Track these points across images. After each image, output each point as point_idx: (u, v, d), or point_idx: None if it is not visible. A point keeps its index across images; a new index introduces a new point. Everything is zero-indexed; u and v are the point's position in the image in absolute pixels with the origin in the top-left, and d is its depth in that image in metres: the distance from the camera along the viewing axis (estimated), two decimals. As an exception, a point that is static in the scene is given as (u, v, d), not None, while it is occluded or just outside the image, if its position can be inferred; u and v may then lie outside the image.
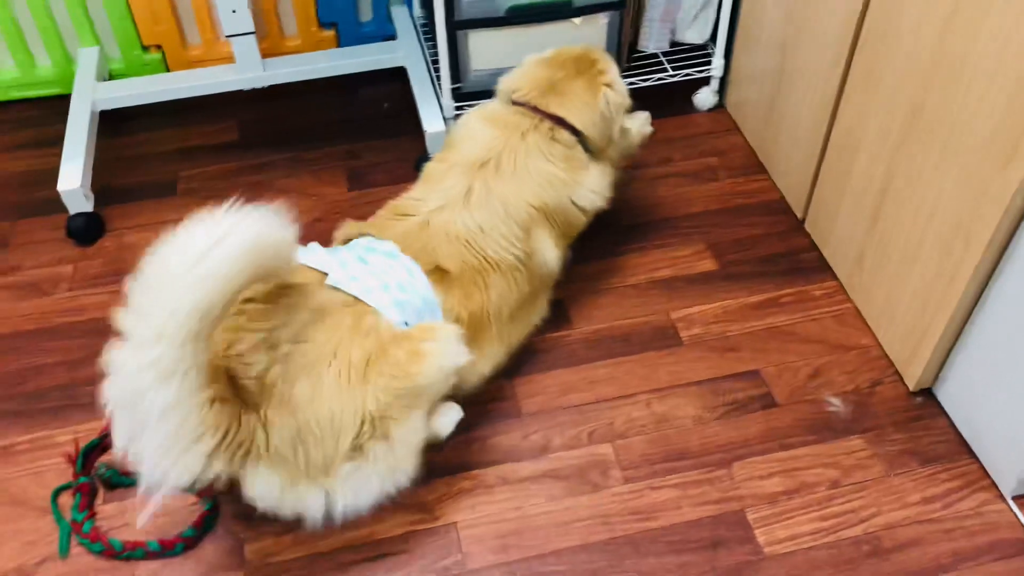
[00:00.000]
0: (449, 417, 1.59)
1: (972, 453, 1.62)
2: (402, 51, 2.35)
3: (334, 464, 1.34)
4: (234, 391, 1.30)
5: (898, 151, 1.64)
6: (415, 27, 2.42)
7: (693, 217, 2.09)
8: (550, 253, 1.69)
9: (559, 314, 1.88)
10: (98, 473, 1.60)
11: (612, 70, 1.77)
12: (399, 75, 2.37)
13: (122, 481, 1.58)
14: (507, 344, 1.69)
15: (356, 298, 1.43)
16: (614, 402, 1.73)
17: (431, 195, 1.64)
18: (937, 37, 1.48)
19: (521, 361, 1.79)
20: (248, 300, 1.37)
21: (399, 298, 1.46)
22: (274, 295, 1.39)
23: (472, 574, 1.48)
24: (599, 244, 1.99)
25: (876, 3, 1.64)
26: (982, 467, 1.60)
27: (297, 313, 1.37)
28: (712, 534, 1.52)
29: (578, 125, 1.70)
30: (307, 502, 1.37)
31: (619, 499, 1.58)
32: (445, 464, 1.62)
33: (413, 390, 1.38)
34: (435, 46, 2.09)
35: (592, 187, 1.74)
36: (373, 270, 1.48)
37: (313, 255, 1.49)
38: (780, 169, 2.13)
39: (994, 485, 1.58)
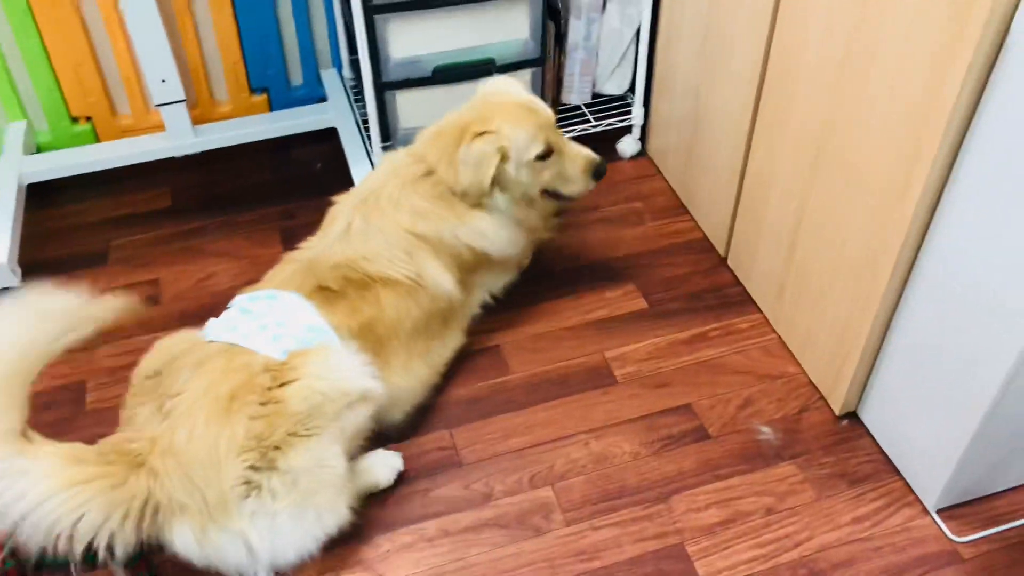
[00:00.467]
0: (389, 465, 1.62)
1: (897, 471, 1.70)
2: (332, 112, 2.41)
3: (230, 501, 1.37)
4: (121, 459, 1.36)
5: (809, 187, 1.74)
6: (345, 89, 2.49)
7: (622, 259, 2.16)
8: (442, 278, 1.77)
9: (496, 361, 1.92)
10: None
11: (508, 120, 1.75)
12: (330, 135, 2.42)
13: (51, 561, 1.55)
14: (422, 359, 1.75)
15: (233, 344, 1.50)
16: (554, 444, 1.76)
17: (318, 238, 1.78)
18: (833, 80, 1.59)
19: (461, 410, 1.82)
20: (148, 377, 1.49)
21: (277, 333, 1.52)
22: (166, 366, 1.49)
23: (420, 627, 1.49)
24: (533, 290, 2.05)
25: (777, 49, 1.76)
26: (907, 484, 1.67)
27: (180, 373, 1.46)
28: (654, 569, 1.56)
29: (439, 171, 1.78)
30: (225, 548, 1.39)
31: (562, 542, 1.60)
32: (386, 519, 1.64)
33: (289, 415, 1.42)
34: (365, 106, 2.15)
35: (480, 229, 1.80)
36: (253, 316, 1.56)
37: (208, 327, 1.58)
38: (701, 209, 2.23)
39: (919, 500, 1.65)
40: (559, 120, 2.37)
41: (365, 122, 2.26)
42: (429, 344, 1.79)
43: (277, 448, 1.40)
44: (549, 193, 1.86)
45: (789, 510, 1.64)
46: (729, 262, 2.12)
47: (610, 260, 2.16)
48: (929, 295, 1.51)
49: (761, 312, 2.01)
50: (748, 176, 1.97)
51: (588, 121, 2.37)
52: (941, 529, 1.60)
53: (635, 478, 1.70)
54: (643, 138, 2.45)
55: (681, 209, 2.29)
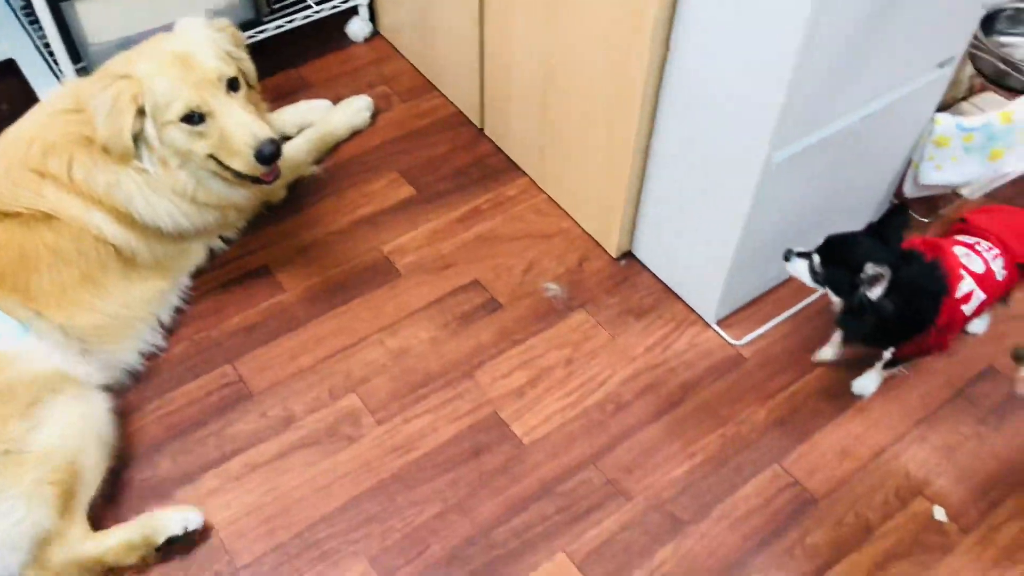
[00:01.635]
0: (178, 517, 1.46)
1: (677, 296, 1.82)
2: (5, 42, 2.09)
3: None
4: None
5: (548, 42, 1.75)
6: (15, 13, 2.16)
7: (378, 149, 2.10)
8: (89, 216, 1.59)
9: (266, 281, 1.82)
10: None
11: (153, 69, 1.56)
12: (10, 70, 2.11)
13: None
14: (101, 298, 1.63)
15: None
16: (347, 351, 1.72)
17: None
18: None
19: (239, 340, 1.72)
20: None
21: None
22: None
23: (247, 572, 1.43)
24: (290, 199, 1.95)
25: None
26: (687, 306, 1.81)
27: None
28: (473, 443, 1.59)
29: (88, 111, 1.58)
30: None
31: (377, 443, 1.59)
32: (182, 470, 1.54)
33: None
34: (42, 28, 1.87)
35: (126, 191, 1.60)
36: None
37: None
38: (449, 84, 2.20)
39: (700, 318, 1.79)
40: (280, 11, 2.21)
41: (47, 46, 1.98)
42: (102, 282, 1.62)
43: None
44: (221, 163, 1.64)
45: (588, 355, 1.72)
46: (487, 132, 2.13)
47: (366, 153, 2.09)
48: (678, 119, 1.59)
49: (527, 175, 2.04)
50: (487, 42, 1.95)
51: (309, 7, 2.23)
52: (723, 338, 1.76)
53: (437, 363, 1.70)
54: (373, 18, 2.35)
55: (428, 87, 2.24)
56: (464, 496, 1.53)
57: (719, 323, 1.78)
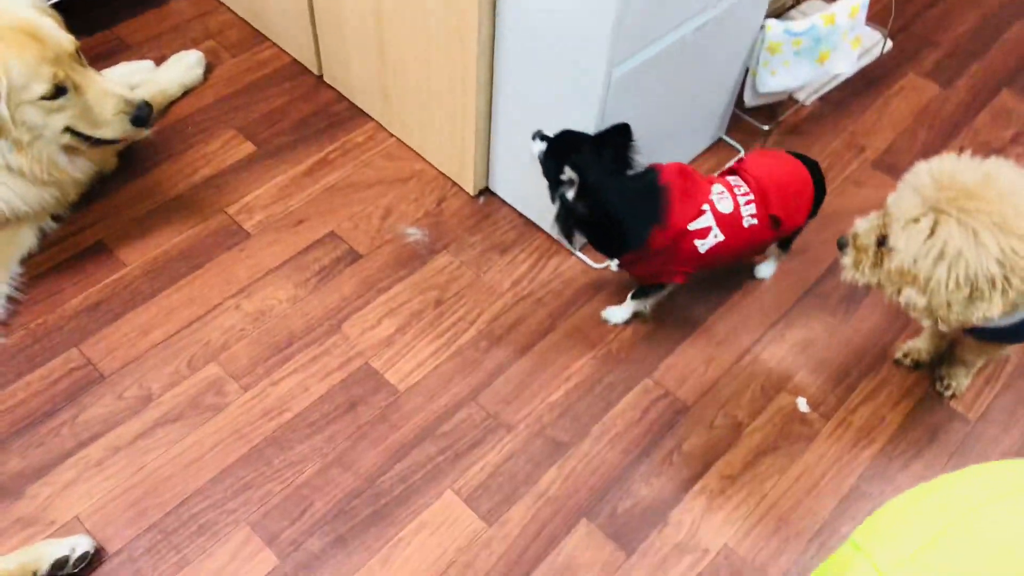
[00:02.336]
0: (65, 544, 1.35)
1: (538, 228, 1.85)
2: None
3: None
4: None
5: (373, -26, 1.71)
6: None
7: (211, 108, 2.00)
8: None
9: (104, 258, 1.72)
10: None
11: (2, 49, 1.45)
12: None
13: None
14: None
15: None
16: (202, 321, 1.65)
17: None
18: None
19: (82, 322, 1.62)
20: None
21: None
22: None
23: (119, 558, 1.37)
24: (120, 168, 1.84)
25: None
26: (548, 236, 1.84)
27: None
28: (347, 397, 1.57)
29: None
30: None
31: (245, 409, 1.54)
32: (34, 466, 1.45)
33: None
34: None
35: None
36: None
37: None
38: (280, 32, 2.11)
39: (562, 248, 1.82)
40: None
41: None
42: None
43: None
44: (78, 135, 1.59)
45: (455, 296, 1.73)
46: (326, 79, 2.07)
47: (200, 112, 1.99)
48: (517, 47, 1.59)
49: (374, 120, 2.01)
50: (314, -19, 1.89)
51: (118, -37, 2.10)
52: (586, 263, 1.80)
53: (301, 321, 1.67)
54: (190, -30, 2.23)
55: (259, 38, 2.15)
56: (344, 450, 1.51)
57: (582, 249, 1.82)
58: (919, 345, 1.69)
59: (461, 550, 1.42)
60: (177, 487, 1.45)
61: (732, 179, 1.56)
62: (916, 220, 1.22)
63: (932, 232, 1.20)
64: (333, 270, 1.75)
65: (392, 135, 1.99)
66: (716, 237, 1.50)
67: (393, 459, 1.51)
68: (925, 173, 1.26)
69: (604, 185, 1.45)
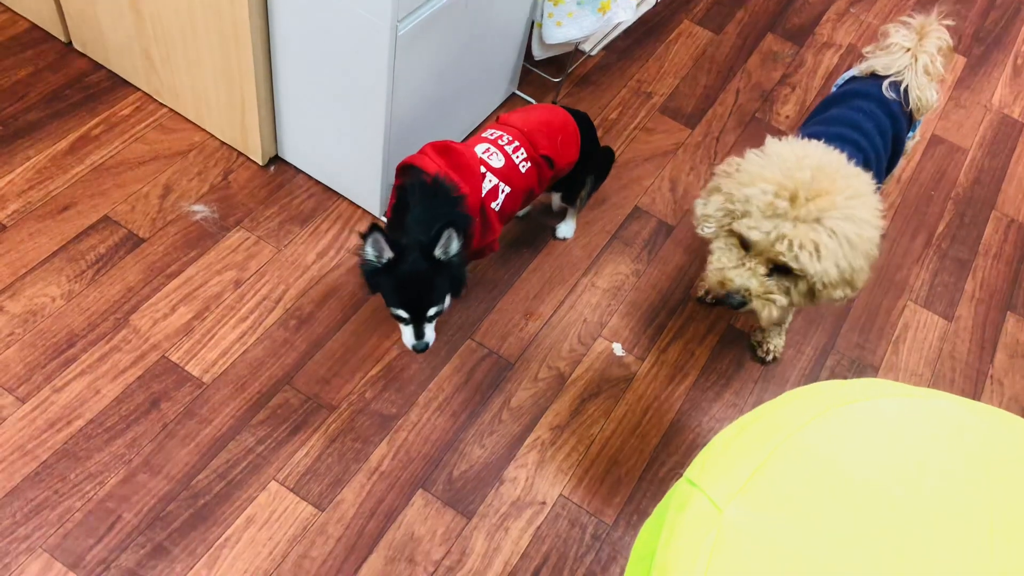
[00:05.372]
0: None
1: (338, 194, 1.83)
2: None
3: None
4: None
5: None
6: None
7: (-63, 83, 1.80)
8: None
9: None
10: None
11: None
12: None
13: None
14: None
15: None
16: (-41, 329, 1.50)
17: None
18: None
19: None
20: None
21: None
22: None
23: None
24: None
25: None
26: (351, 202, 1.82)
27: None
28: (147, 395, 1.49)
29: None
30: None
31: (26, 422, 1.42)
32: None
33: None
34: None
35: None
36: None
37: None
38: (13, -8, 1.93)
39: (367, 212, 1.82)
40: None
41: None
42: None
43: None
44: None
45: (256, 274, 1.68)
46: (76, 45, 1.91)
47: (-79, 89, 1.78)
48: (292, 2, 1.55)
49: (139, 90, 1.88)
50: (51, -68, 1.73)
51: None
52: (393, 228, 1.81)
53: (81, 318, 1.55)
54: None
55: (-14, 0, 1.95)
56: (150, 453, 1.44)
57: (386, 214, 1.82)
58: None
59: (295, 539, 1.40)
60: (-47, 520, 1.32)
61: (493, 133, 1.61)
62: (806, 247, 1.34)
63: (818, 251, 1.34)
64: (112, 258, 1.64)
65: (163, 105, 1.87)
66: (503, 192, 1.55)
67: (207, 456, 1.46)
68: (766, 191, 1.37)
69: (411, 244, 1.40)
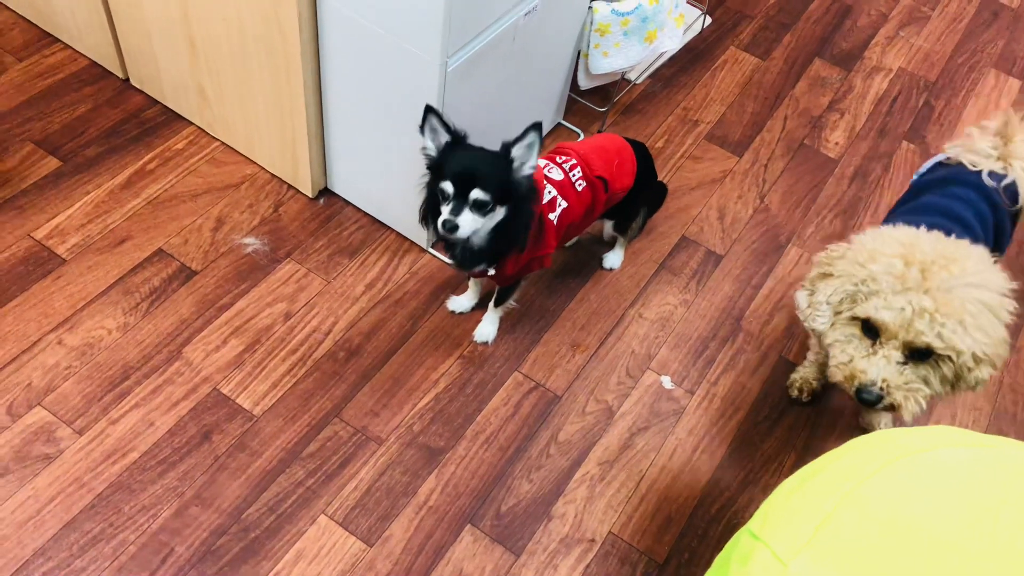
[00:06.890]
0: None
1: (385, 226, 1.84)
2: None
3: None
4: None
5: (181, -36, 1.63)
6: None
7: (1, 120, 1.85)
8: None
9: None
10: None
11: None
12: None
13: None
14: None
15: None
16: (19, 361, 1.53)
17: None
18: None
19: None
20: None
21: None
22: None
23: (-51, 642, 1.26)
24: None
25: None
26: (398, 234, 1.83)
27: None
28: (199, 428, 1.51)
29: None
30: None
31: (83, 454, 1.45)
32: None
33: None
34: None
35: None
36: None
37: None
38: (72, 30, 1.97)
39: (414, 244, 1.82)
40: None
41: None
42: None
43: None
44: None
45: (306, 306, 1.69)
46: (134, 82, 1.95)
47: (-15, 126, 1.84)
48: (343, 39, 1.56)
49: (193, 124, 1.92)
50: (110, -28, 1.78)
51: None
52: (442, 260, 1.81)
53: (135, 350, 1.58)
54: (-45, -36, 2.04)
55: (47, 39, 2.00)
56: (202, 486, 1.45)
57: (434, 246, 1.83)
58: (806, 374, 1.73)
59: (344, 575, 1.40)
60: (13, 551, 1.34)
61: (552, 155, 1.63)
62: (952, 318, 1.24)
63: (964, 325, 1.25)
64: (166, 291, 1.67)
65: (216, 139, 1.91)
66: (561, 205, 1.56)
67: (258, 489, 1.47)
68: (894, 264, 1.28)
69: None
